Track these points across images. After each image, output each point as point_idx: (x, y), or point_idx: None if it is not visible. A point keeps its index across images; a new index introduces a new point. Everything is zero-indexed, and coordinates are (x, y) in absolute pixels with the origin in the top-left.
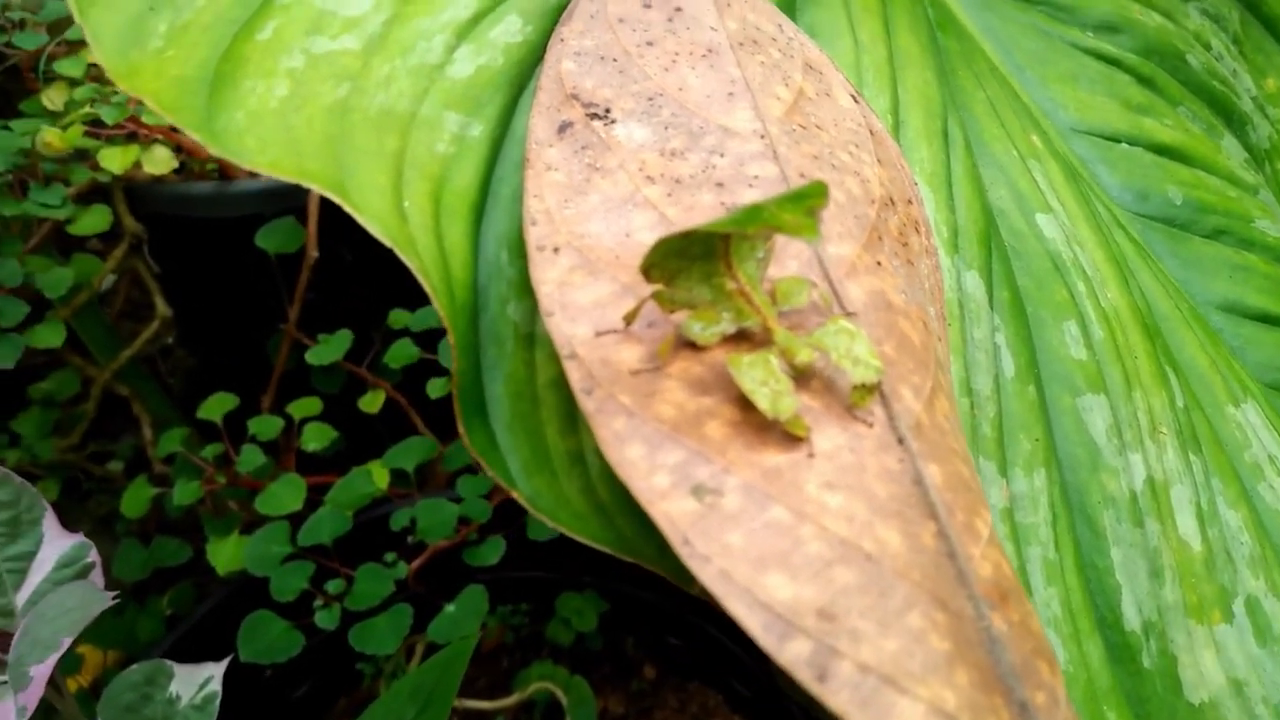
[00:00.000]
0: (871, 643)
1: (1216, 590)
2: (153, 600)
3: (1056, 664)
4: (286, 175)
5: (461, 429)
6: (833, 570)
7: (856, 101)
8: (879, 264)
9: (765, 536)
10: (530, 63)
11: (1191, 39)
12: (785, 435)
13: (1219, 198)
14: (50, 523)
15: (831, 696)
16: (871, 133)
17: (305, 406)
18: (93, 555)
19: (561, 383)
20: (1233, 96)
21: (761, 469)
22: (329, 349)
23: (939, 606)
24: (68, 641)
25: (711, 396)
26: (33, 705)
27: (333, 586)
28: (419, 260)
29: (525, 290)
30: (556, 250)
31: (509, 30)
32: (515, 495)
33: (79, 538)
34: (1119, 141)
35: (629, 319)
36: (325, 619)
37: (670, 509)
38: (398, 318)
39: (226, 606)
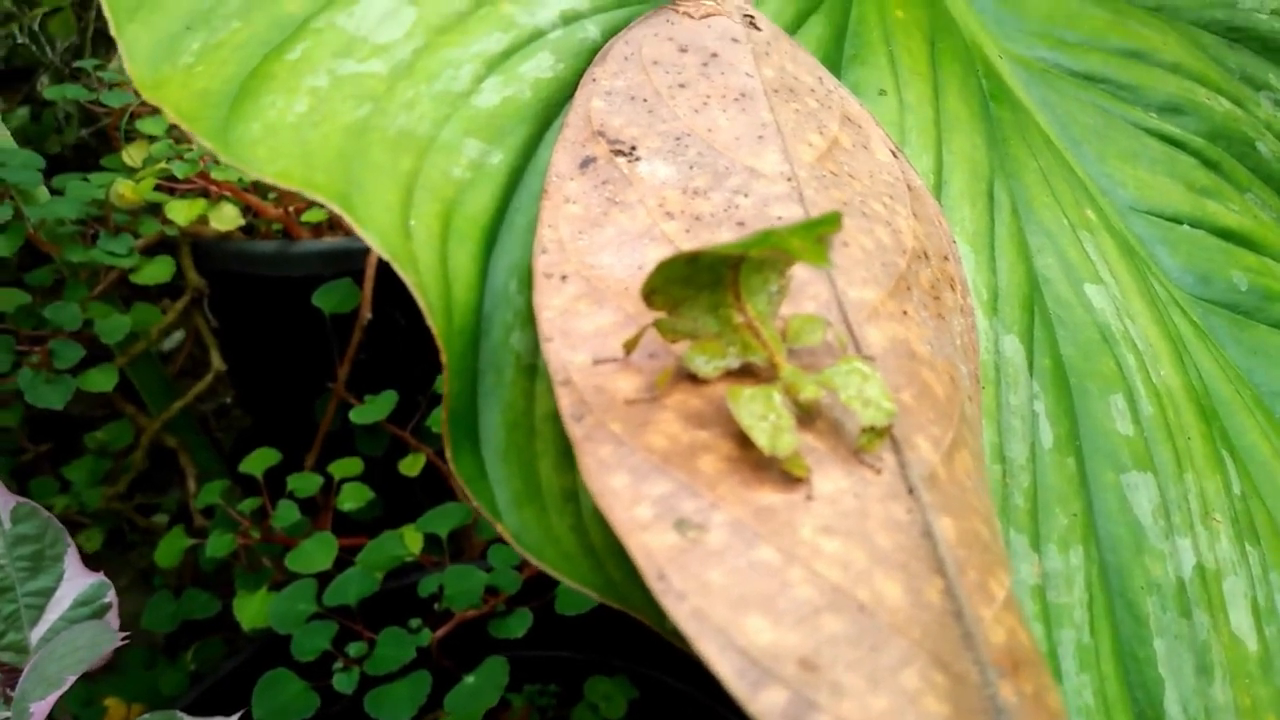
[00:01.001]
0: (857, 699)
1: (1273, 694)
2: (181, 655)
3: None
4: (293, 185)
5: (449, 454)
6: (820, 618)
7: (896, 156)
8: (904, 313)
9: (749, 576)
10: (559, 99)
11: (1262, 127)
12: (783, 475)
13: None
14: (72, 559)
15: None
16: (910, 188)
17: (346, 466)
18: (110, 596)
19: (560, 417)
20: None
21: (753, 507)
22: (373, 409)
23: (939, 668)
24: (71, 679)
25: (708, 431)
26: None
27: (354, 649)
28: (417, 277)
29: (531, 320)
30: (564, 278)
31: (540, 66)
32: (499, 528)
33: (99, 576)
34: (1181, 223)
35: (629, 347)
36: (343, 682)
37: (649, 541)
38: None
39: (252, 664)
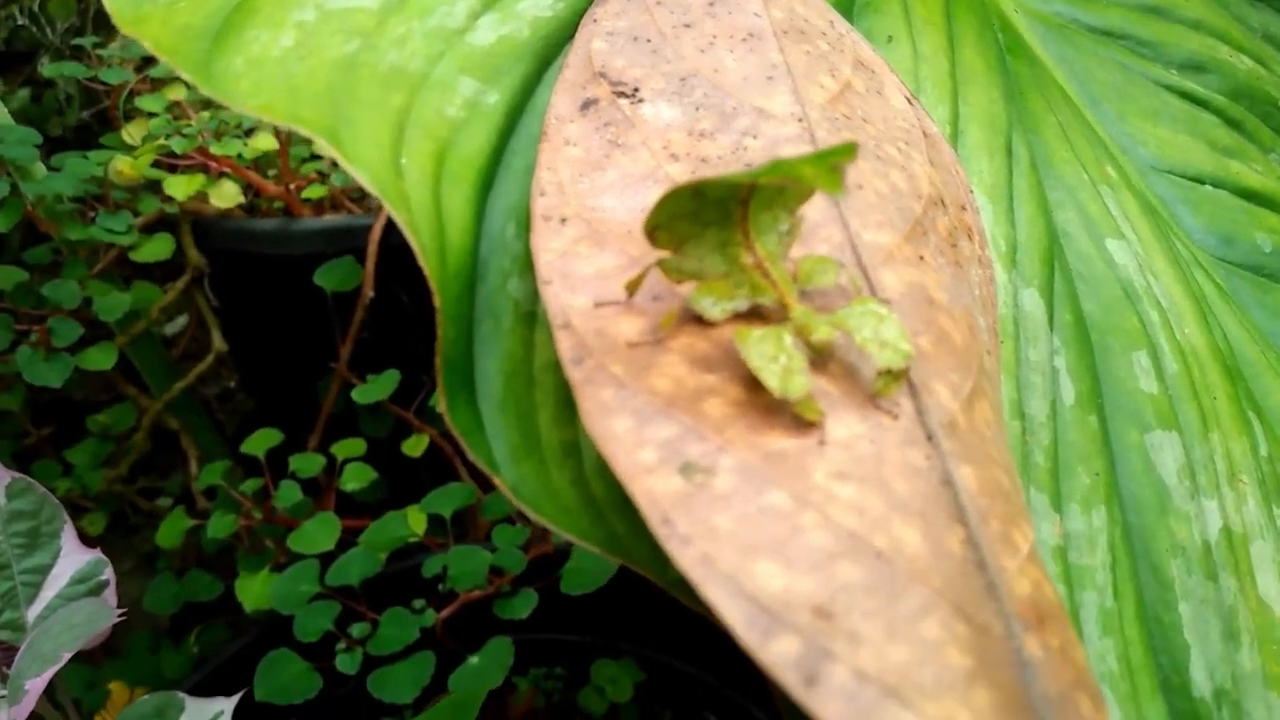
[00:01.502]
0: (874, 648)
1: None
2: (185, 639)
3: (1103, 703)
4: (277, 119)
5: (444, 404)
6: (835, 564)
7: (911, 103)
8: (921, 258)
9: (759, 521)
10: (558, 39)
11: None
12: (795, 419)
13: None
14: (69, 536)
15: (820, 706)
16: (925, 134)
17: (349, 447)
18: (107, 573)
19: (560, 365)
20: None
21: (763, 451)
22: (375, 388)
23: (961, 618)
24: (67, 656)
25: (716, 374)
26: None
27: (357, 630)
28: (409, 216)
29: (530, 266)
30: (564, 221)
31: (539, 4)
32: (496, 481)
33: (96, 553)
34: (1203, 183)
35: (631, 287)
36: (346, 663)
37: (653, 485)
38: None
39: (255, 646)
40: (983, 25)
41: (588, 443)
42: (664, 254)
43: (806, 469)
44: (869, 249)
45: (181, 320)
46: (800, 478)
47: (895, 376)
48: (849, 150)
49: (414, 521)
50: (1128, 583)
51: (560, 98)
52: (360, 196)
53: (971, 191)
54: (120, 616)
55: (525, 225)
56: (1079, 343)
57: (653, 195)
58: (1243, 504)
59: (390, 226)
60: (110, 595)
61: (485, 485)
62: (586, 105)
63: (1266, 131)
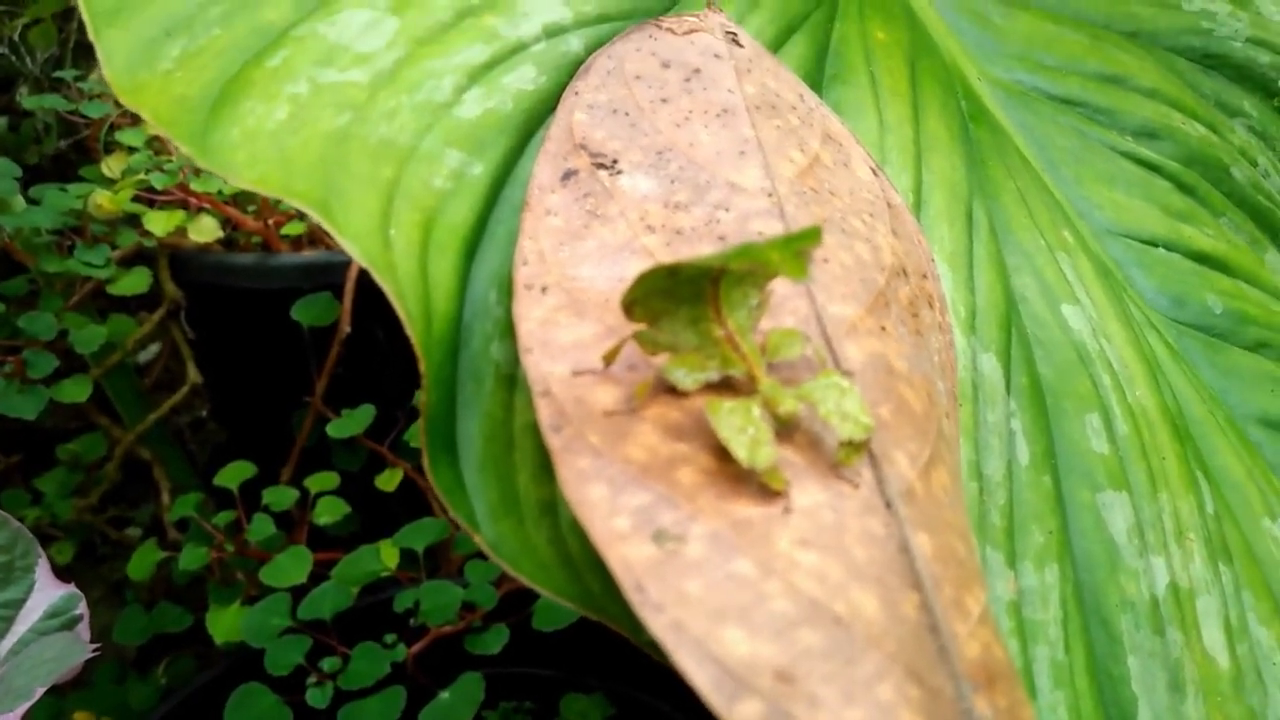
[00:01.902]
0: (832, 711)
1: (1245, 712)
2: (152, 670)
3: None
4: (271, 191)
5: (427, 465)
6: (797, 630)
7: (876, 175)
8: (883, 329)
9: (727, 588)
10: (541, 112)
11: (1237, 153)
12: (761, 488)
13: (1261, 310)
14: (43, 570)
15: None
16: (889, 205)
17: (322, 480)
18: (81, 608)
19: (539, 428)
20: (1279, 213)
21: (731, 519)
22: (350, 423)
23: (914, 681)
24: (40, 691)
25: (687, 443)
26: None
27: (328, 664)
28: (396, 285)
29: (511, 331)
30: (544, 290)
31: (522, 78)
32: (477, 539)
33: (70, 588)
34: (1156, 246)
35: (609, 358)
36: (316, 697)
37: (628, 553)
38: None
39: (223, 680)
40: (946, 94)
41: (564, 503)
42: (639, 327)
43: (771, 537)
44: (833, 321)
45: (154, 349)
46: (765, 545)
47: (856, 447)
48: (813, 235)
49: (386, 556)
50: (1079, 637)
51: (542, 168)
52: None
53: (933, 260)
54: (94, 652)
55: (507, 291)
56: (1034, 405)
57: (630, 265)
58: (1189, 561)
59: None
60: (83, 630)
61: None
62: (567, 176)
63: (1217, 196)
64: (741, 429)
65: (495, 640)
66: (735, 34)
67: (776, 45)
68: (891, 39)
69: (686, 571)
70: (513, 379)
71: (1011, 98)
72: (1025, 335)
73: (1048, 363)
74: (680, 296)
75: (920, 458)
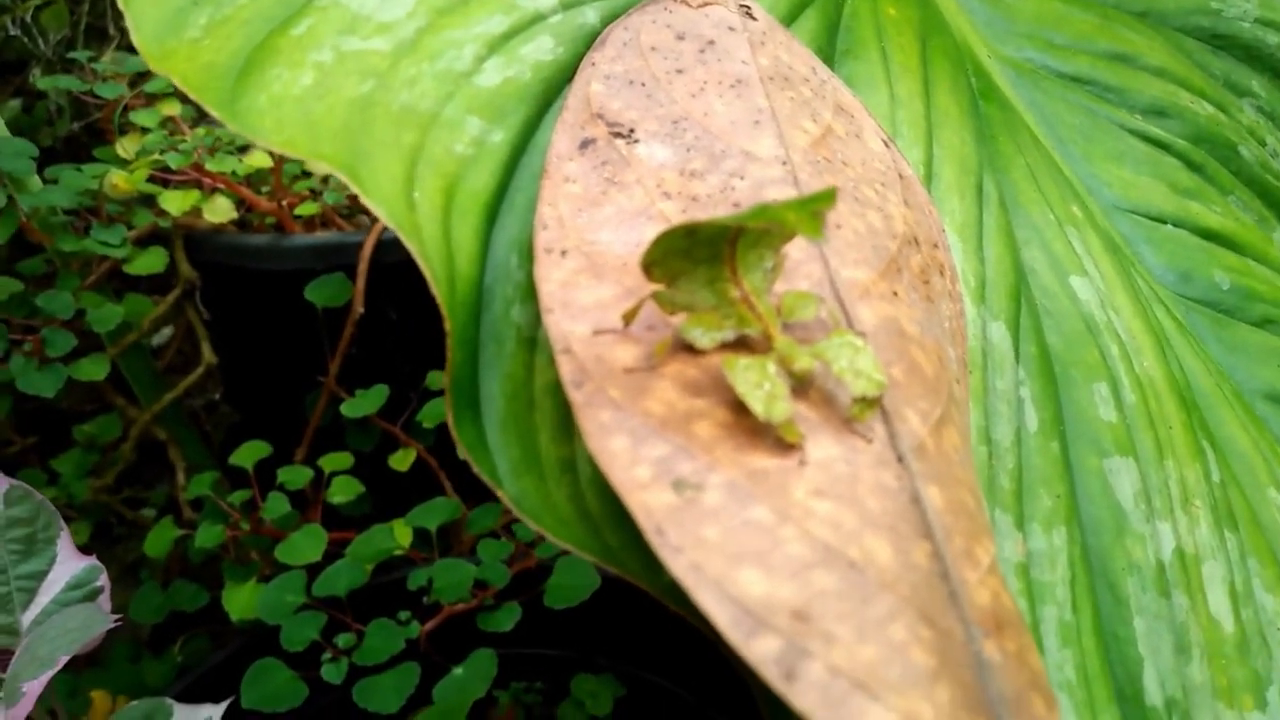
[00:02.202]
0: (846, 648)
1: (1249, 674)
2: (167, 649)
3: (1055, 703)
4: (299, 154)
5: (451, 422)
6: (812, 573)
7: (888, 147)
8: (895, 293)
9: (744, 533)
10: (558, 81)
11: (1245, 132)
12: (777, 441)
13: (1268, 287)
14: (65, 543)
15: (798, 697)
16: (901, 176)
17: (336, 460)
18: (102, 579)
19: (559, 388)
20: None
21: (748, 469)
22: (364, 402)
23: (925, 623)
24: (64, 659)
25: (705, 399)
26: None
27: (343, 640)
28: (422, 247)
29: (531, 294)
30: (564, 253)
31: (540, 49)
32: (500, 494)
33: (91, 560)
34: (1164, 223)
35: (628, 318)
36: (332, 672)
37: (648, 499)
38: (436, 378)
39: (238, 657)
40: (956, 70)
41: (583, 460)
42: (658, 287)
43: (787, 487)
44: (847, 285)
45: (167, 331)
46: (781, 494)
47: (869, 404)
48: (829, 197)
49: (400, 535)
50: (1086, 598)
51: (560, 137)
52: (350, 214)
53: (944, 230)
54: (116, 622)
55: (527, 256)
56: (1043, 374)
57: (647, 231)
58: (1195, 527)
59: (381, 244)
60: (104, 601)
61: (470, 500)
62: (585, 144)
63: (1225, 175)
64: (758, 384)
65: (507, 618)
66: (749, 7)
67: (789, 19)
68: (902, 16)
69: (704, 517)
70: (533, 341)
71: (1021, 75)
72: (1034, 305)
73: (1056, 332)
74: (698, 257)
75: (931, 416)
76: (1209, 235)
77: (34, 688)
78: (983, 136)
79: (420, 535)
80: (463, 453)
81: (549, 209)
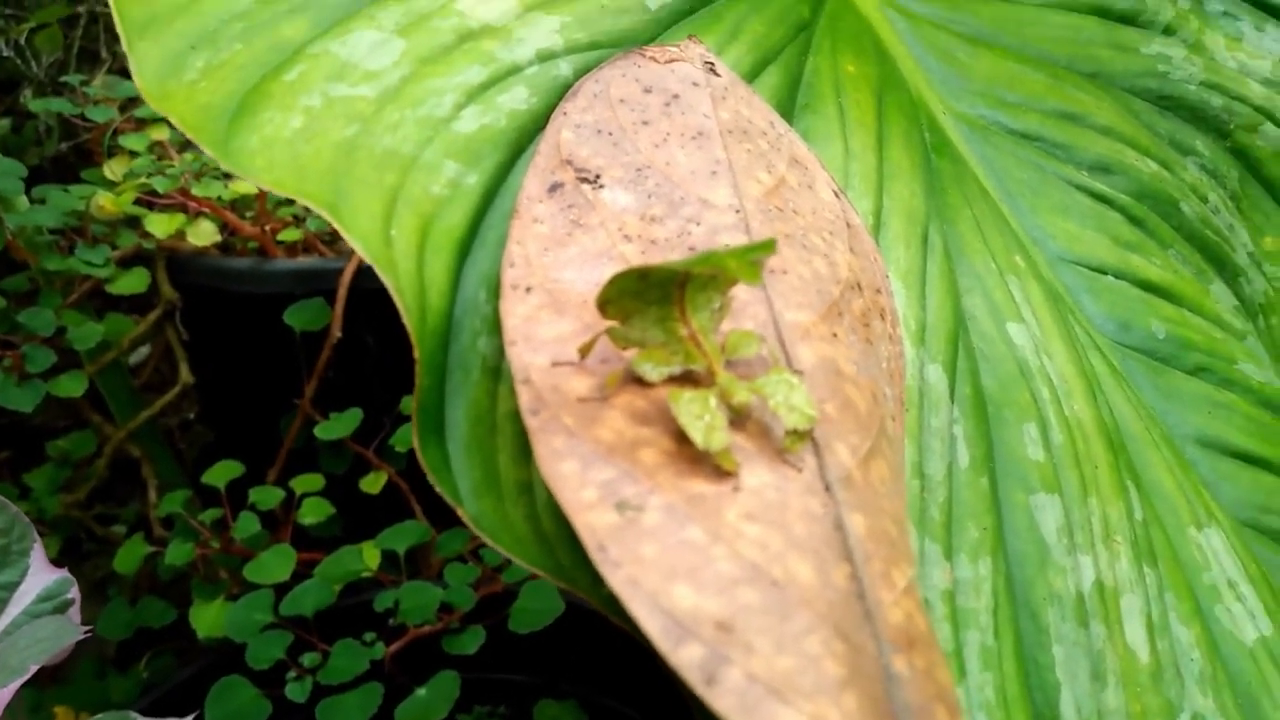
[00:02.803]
0: (764, 658)
1: (1162, 703)
2: (132, 666)
3: (958, 712)
4: (286, 192)
5: (417, 444)
6: (738, 589)
7: (838, 197)
8: (834, 335)
9: (678, 551)
10: (531, 130)
11: (1188, 189)
12: (715, 469)
13: (1203, 337)
14: (37, 555)
15: (717, 700)
16: (849, 225)
17: (308, 482)
18: (73, 592)
19: (519, 415)
20: (1226, 247)
21: (686, 494)
22: (338, 425)
23: (840, 638)
24: (34, 668)
25: (651, 428)
26: None
27: (308, 659)
28: (396, 281)
29: (497, 327)
30: (529, 290)
31: (515, 98)
32: (460, 513)
33: (62, 573)
34: (1106, 274)
35: (584, 351)
36: (296, 691)
37: (592, 519)
38: (409, 403)
39: (204, 675)
40: (911, 125)
41: (539, 483)
42: (612, 324)
43: (721, 510)
44: (789, 326)
45: (144, 349)
46: (715, 517)
47: (800, 436)
48: (768, 246)
49: (368, 557)
50: (1007, 625)
51: (531, 180)
52: (330, 240)
53: (888, 277)
54: (86, 633)
55: (495, 291)
56: (976, 413)
57: (607, 270)
58: (1116, 561)
59: (360, 271)
60: (75, 613)
61: (439, 524)
62: (554, 188)
63: (1166, 229)
64: (699, 416)
65: (472, 641)
66: (713, 64)
67: (752, 75)
68: (861, 72)
69: (643, 536)
70: (497, 370)
71: (974, 131)
72: (972, 349)
73: (991, 375)
74: (649, 298)
75: (860, 449)
76: (1148, 286)
77: (3, 695)
78: (932, 189)
79: (389, 558)
80: (429, 474)
81: (517, 247)
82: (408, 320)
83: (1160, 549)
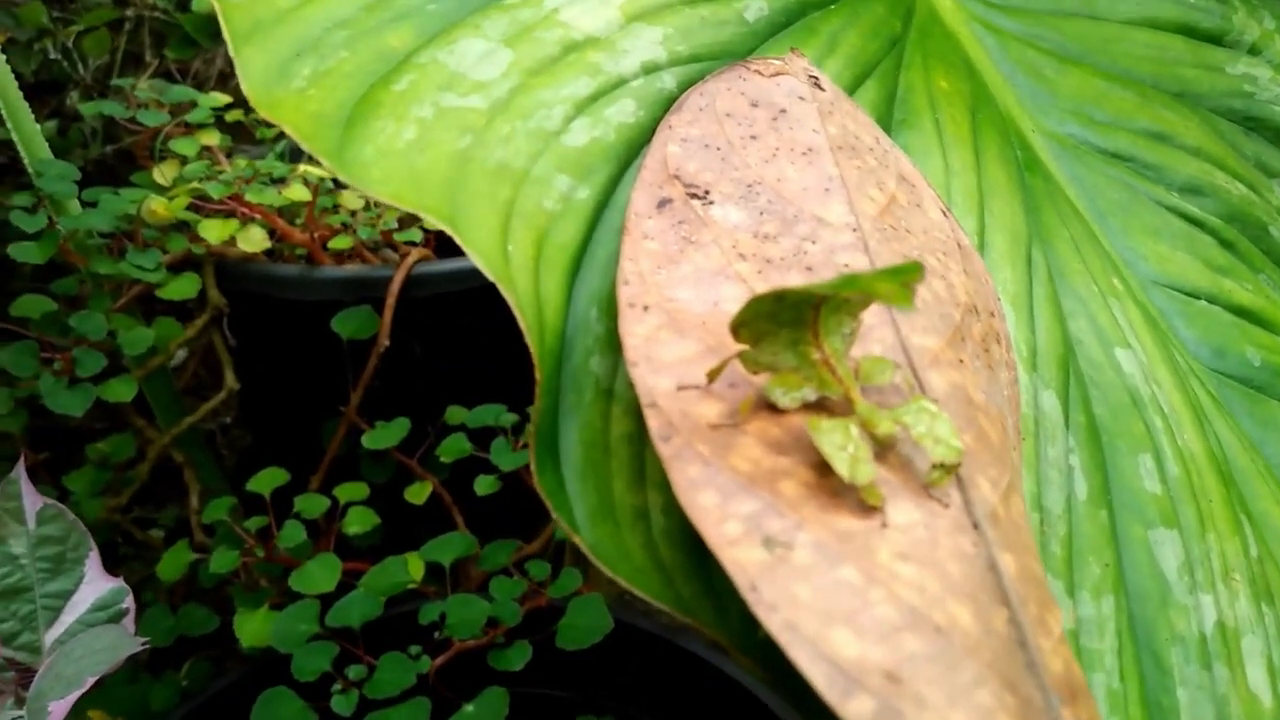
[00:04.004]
0: (938, 711)
1: None
2: (169, 673)
3: None
4: (406, 206)
5: (533, 467)
6: (901, 635)
7: (946, 216)
8: (961, 361)
9: (834, 593)
10: (639, 143)
11: (1275, 213)
12: (859, 503)
13: None
14: (93, 563)
15: None
16: (959, 245)
17: (352, 490)
18: (128, 601)
19: (634, 438)
20: None
21: (834, 530)
22: (386, 434)
23: (1009, 690)
24: (91, 680)
25: (788, 457)
26: None
27: (354, 672)
28: (517, 298)
29: (609, 346)
30: (646, 309)
31: (623, 111)
32: (577, 541)
33: (118, 582)
34: (1198, 298)
35: (713, 376)
36: (342, 704)
37: (740, 556)
38: (454, 414)
39: (242, 684)
40: (1004, 143)
41: (655, 509)
42: (743, 347)
43: (872, 548)
44: (917, 351)
45: (182, 353)
46: (867, 556)
47: (948, 470)
48: (916, 269)
49: (413, 568)
50: (1132, 667)
51: (639, 195)
52: (375, 248)
53: (999, 299)
54: (144, 644)
55: (606, 309)
56: (1091, 443)
57: (724, 290)
58: (1235, 600)
59: (409, 280)
60: (129, 623)
61: (484, 537)
62: (662, 203)
63: (1257, 254)
64: (842, 446)
65: (518, 657)
66: (817, 78)
67: (851, 89)
68: (954, 88)
69: (795, 576)
70: (610, 391)
71: (1064, 149)
72: (1082, 376)
73: (1103, 403)
74: (782, 320)
75: (1001, 483)
76: (1241, 312)
77: (60, 708)
78: (1029, 207)
79: (432, 569)
80: (545, 500)
81: (630, 264)
82: (530, 340)
83: (1275, 586)
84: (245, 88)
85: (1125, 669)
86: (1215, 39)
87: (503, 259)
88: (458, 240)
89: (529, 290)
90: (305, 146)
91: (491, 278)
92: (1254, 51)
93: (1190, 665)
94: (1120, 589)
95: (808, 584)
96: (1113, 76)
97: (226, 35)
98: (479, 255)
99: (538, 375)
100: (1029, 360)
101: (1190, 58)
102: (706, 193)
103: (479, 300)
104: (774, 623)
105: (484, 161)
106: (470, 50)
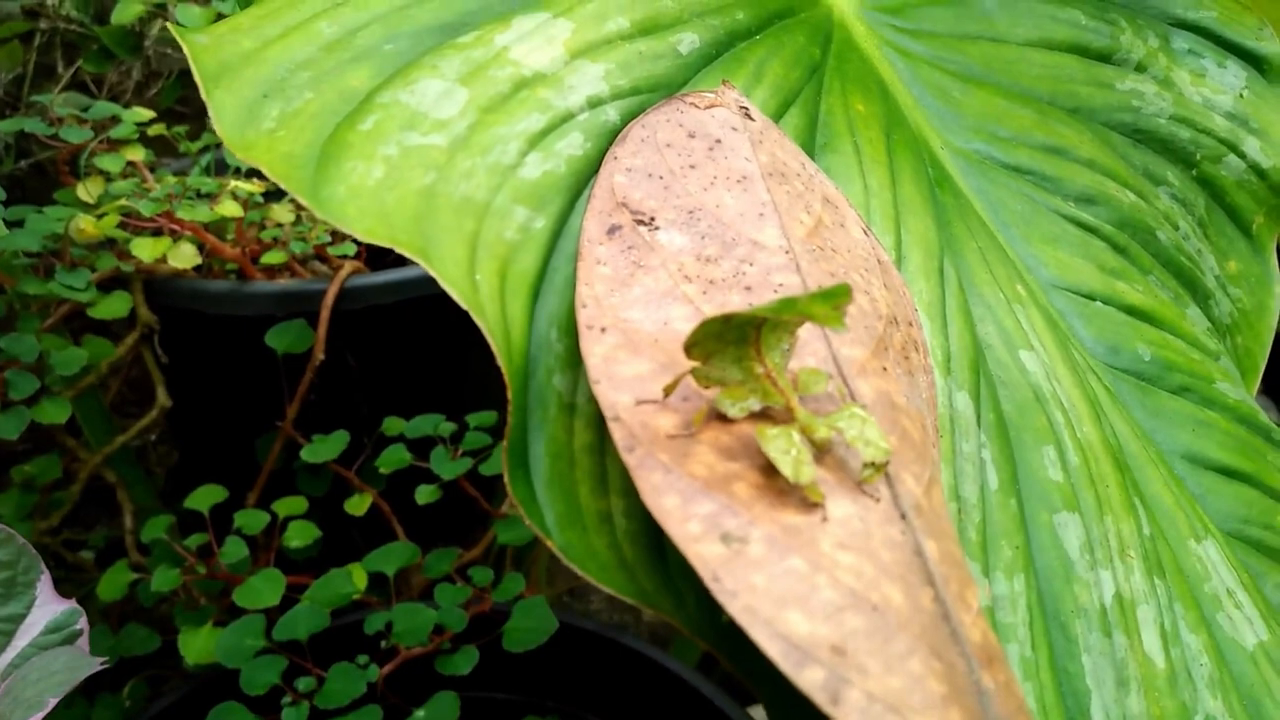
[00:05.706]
0: (877, 678)
1: (1178, 706)
2: (105, 695)
3: None
4: (379, 241)
5: (507, 479)
6: (844, 614)
7: (866, 234)
8: (885, 369)
9: (785, 580)
10: (587, 173)
11: (1161, 218)
12: (803, 500)
13: (1183, 358)
14: (44, 586)
15: (844, 718)
16: (880, 261)
17: (291, 505)
18: (82, 623)
19: (595, 448)
20: (1198, 272)
21: (782, 525)
22: (325, 447)
23: (936, 657)
24: (54, 702)
25: (738, 462)
26: None
27: (303, 684)
28: (487, 324)
29: (569, 364)
30: (604, 330)
31: (572, 144)
32: (549, 544)
33: (71, 604)
34: (1094, 300)
35: (668, 391)
36: (293, 716)
37: (702, 551)
38: (392, 424)
39: (186, 702)
40: (917, 161)
41: (618, 513)
42: (695, 364)
43: (816, 540)
44: (847, 362)
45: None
46: (812, 547)
47: (878, 468)
48: (845, 292)
49: (357, 579)
50: (1042, 637)
51: (590, 223)
52: (305, 261)
53: (916, 310)
54: (102, 665)
55: (565, 330)
56: (1000, 438)
57: (674, 310)
58: (1131, 574)
59: (343, 293)
60: (83, 644)
61: (425, 545)
62: (612, 230)
63: (1146, 257)
64: (786, 450)
65: (465, 661)
66: (747, 108)
67: (777, 116)
68: (869, 111)
69: (751, 566)
70: (572, 406)
71: (970, 165)
72: (991, 377)
73: (1010, 401)
74: (729, 339)
75: (923, 478)
76: (1132, 311)
77: None
78: (940, 222)
79: (375, 579)
80: (519, 509)
81: (586, 289)
82: (501, 361)
83: (1167, 561)
84: (219, 130)
85: (1036, 639)
86: (1105, 58)
87: (472, 288)
88: (432, 272)
89: (497, 315)
90: (283, 186)
91: (464, 306)
92: (1140, 69)
93: (1093, 634)
94: (1029, 568)
95: (762, 573)
96: (1013, 95)
97: (198, 78)
98: (451, 286)
99: (510, 394)
100: (944, 364)
101: (1083, 75)
102: (652, 219)
103: (413, 312)
104: (735, 607)
105: (449, 196)
106: (429, 90)
